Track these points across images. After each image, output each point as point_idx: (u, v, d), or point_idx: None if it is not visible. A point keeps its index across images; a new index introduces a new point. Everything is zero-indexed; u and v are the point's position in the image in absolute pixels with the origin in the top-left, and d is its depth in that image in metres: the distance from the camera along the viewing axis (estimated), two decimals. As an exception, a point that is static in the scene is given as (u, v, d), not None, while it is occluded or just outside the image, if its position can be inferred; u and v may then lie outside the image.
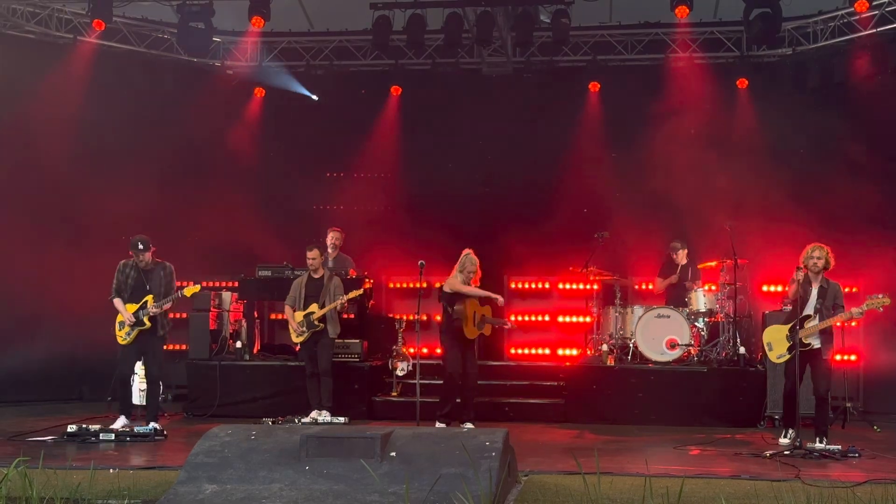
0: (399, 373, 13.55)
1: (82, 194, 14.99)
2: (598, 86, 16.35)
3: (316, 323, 12.48)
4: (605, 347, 13.46)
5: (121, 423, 11.27)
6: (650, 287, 15.06)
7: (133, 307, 11.32)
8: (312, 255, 12.64)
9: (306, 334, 12.53)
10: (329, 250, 13.96)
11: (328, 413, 12.28)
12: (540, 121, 15.88)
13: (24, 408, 13.97)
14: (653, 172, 15.48)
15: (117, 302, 11.40)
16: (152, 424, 11.09)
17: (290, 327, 12.72)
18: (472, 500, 5.94)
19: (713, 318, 13.45)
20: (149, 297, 11.29)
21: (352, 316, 14.01)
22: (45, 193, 14.87)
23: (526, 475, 8.00)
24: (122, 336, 11.41)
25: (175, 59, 16.55)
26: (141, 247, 11.25)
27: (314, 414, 12.32)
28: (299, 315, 12.55)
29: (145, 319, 11.28)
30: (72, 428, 10.63)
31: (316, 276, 12.72)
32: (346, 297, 12.46)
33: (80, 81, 15.42)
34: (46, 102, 14.85)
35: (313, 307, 12.51)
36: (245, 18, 14.67)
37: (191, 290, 11.46)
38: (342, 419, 12.27)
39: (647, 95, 15.57)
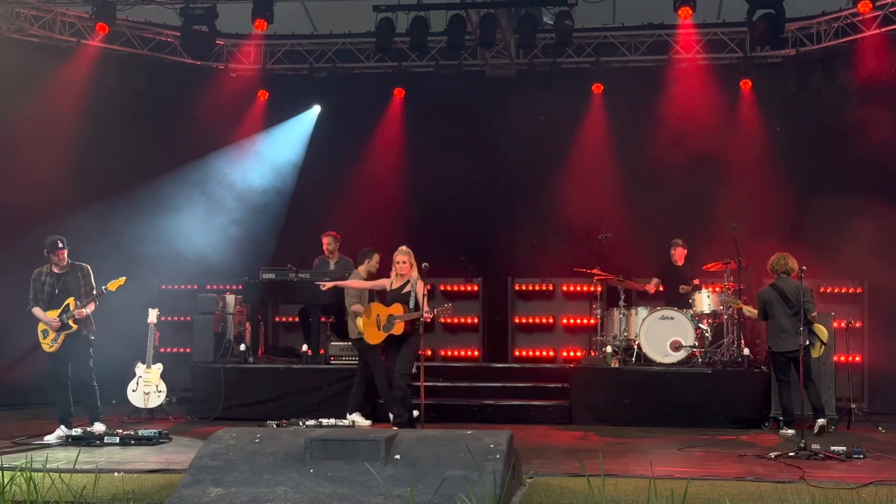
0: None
1: (86, 197, 15.01)
2: (602, 87, 16.34)
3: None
4: (609, 349, 13.44)
5: (59, 433, 10.91)
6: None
7: (55, 312, 11.13)
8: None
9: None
10: (328, 255, 14.01)
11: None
12: (543, 122, 15.87)
13: (28, 411, 13.98)
14: (656, 174, 15.52)
15: (37, 311, 11.17)
16: (97, 425, 11.02)
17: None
18: (477, 502, 5.94)
19: (717, 320, 13.44)
20: (70, 300, 11.14)
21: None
22: (51, 198, 14.84)
23: (531, 477, 7.99)
24: (49, 343, 11.17)
25: (178, 62, 16.57)
26: (60, 245, 11.13)
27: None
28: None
29: (70, 322, 11.10)
30: (76, 431, 10.64)
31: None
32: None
33: (84, 84, 15.45)
34: (50, 105, 14.88)
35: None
36: (248, 21, 14.66)
37: (115, 283, 11.23)
38: (346, 422, 12.27)
39: (650, 97, 15.59)
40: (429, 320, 11.68)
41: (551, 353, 15.69)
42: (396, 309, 11.39)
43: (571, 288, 15.78)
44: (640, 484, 7.52)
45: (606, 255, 14.21)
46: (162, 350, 13.57)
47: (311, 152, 17.02)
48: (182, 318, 14.86)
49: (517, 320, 15.90)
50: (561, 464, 9.15)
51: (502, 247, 16.08)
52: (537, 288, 16.02)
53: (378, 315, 11.62)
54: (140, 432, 10.80)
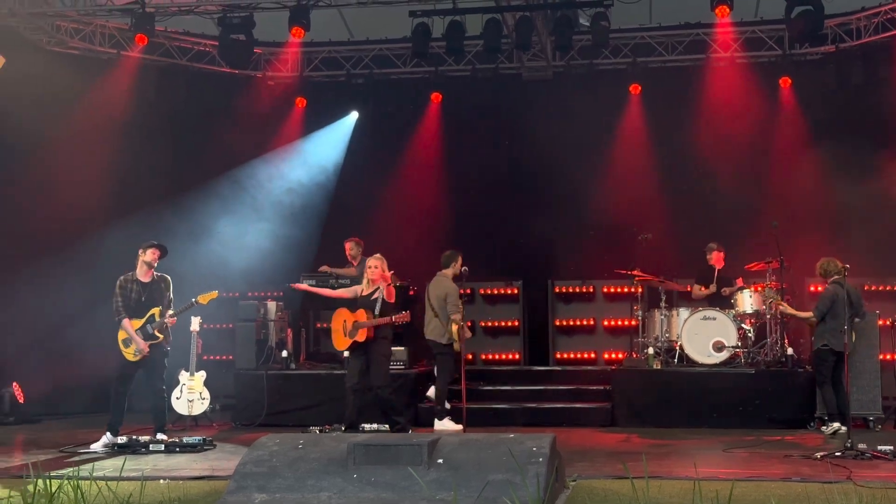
0: (442, 380, 13.52)
1: (127, 207, 15.16)
2: (639, 88, 16.27)
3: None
4: (650, 350, 13.38)
5: (105, 440, 10.92)
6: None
7: (139, 322, 11.16)
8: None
9: None
10: (350, 260, 14.08)
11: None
12: (581, 124, 15.82)
13: (75, 420, 14.13)
14: (696, 173, 15.45)
15: (126, 322, 11.11)
16: (160, 435, 11.09)
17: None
18: (521, 505, 5.93)
19: (760, 320, 13.34)
20: (155, 310, 11.19)
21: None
22: (94, 209, 14.99)
23: (574, 480, 7.97)
24: (132, 353, 11.13)
25: (217, 71, 16.69)
26: (155, 243, 11.26)
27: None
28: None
29: (156, 332, 11.17)
30: (122, 439, 10.73)
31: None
32: None
33: (124, 95, 15.60)
34: (90, 116, 15.03)
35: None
36: (285, 29, 14.74)
37: (207, 296, 11.45)
38: (387, 427, 12.28)
39: (688, 96, 15.53)
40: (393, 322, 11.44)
41: (592, 356, 15.65)
42: (360, 315, 11.35)
43: (612, 289, 15.74)
44: (684, 486, 7.48)
45: (647, 256, 14.14)
46: (205, 358, 13.63)
47: (349, 158, 17.09)
48: (224, 326, 14.94)
49: (558, 323, 15.87)
50: (604, 466, 9.12)
51: (542, 249, 16.03)
52: (578, 290, 15.99)
53: (345, 321, 11.56)
54: (185, 439, 10.87)
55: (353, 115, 17.30)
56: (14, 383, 14.10)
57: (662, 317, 13.64)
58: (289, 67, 17.22)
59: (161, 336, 11.20)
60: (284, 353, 13.93)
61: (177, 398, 12.97)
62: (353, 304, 11.57)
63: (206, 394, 12.91)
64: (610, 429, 12.65)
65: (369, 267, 11.50)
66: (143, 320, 11.16)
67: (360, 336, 11.26)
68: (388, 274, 11.62)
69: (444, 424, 12.38)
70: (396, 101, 16.99)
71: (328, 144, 17.24)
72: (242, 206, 16.34)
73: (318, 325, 16.23)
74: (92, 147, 15.00)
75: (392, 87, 17.09)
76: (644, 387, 13.06)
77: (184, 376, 12.91)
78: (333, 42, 17.04)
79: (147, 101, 15.84)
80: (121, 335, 11.18)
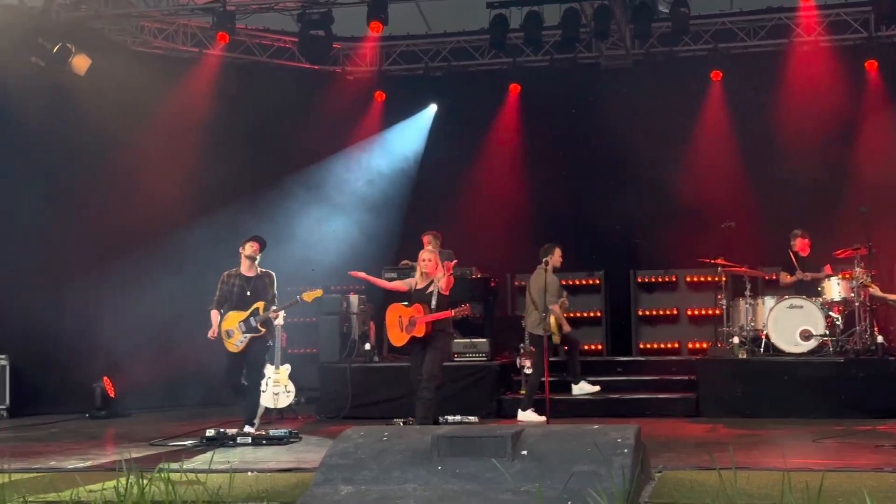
0: (527, 371, 13.49)
1: (211, 204, 15.39)
2: (721, 74, 16.09)
3: None
4: (736, 340, 13.21)
5: (248, 429, 11.33)
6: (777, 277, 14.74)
7: (242, 315, 11.41)
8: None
9: None
10: None
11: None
12: (661, 112, 15.68)
13: (164, 413, 14.41)
14: (780, 160, 15.22)
15: (214, 314, 11.46)
16: (248, 427, 11.29)
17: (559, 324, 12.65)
18: (606, 497, 5.89)
19: (848, 308, 13.09)
20: (259, 304, 11.42)
21: (478, 315, 14.07)
22: (179, 205, 15.23)
23: (659, 471, 7.91)
24: (234, 344, 11.43)
25: (297, 67, 16.84)
26: (255, 236, 11.55)
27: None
28: None
29: (259, 326, 11.39)
30: (210, 432, 10.89)
31: None
32: None
33: (206, 93, 15.84)
34: (174, 115, 15.28)
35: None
36: (364, 24, 14.83)
37: (312, 294, 11.61)
38: (473, 418, 12.32)
39: (771, 82, 15.31)
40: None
41: (676, 345, 15.51)
42: (416, 310, 11.09)
43: (695, 278, 15.58)
44: (773, 477, 7.37)
45: (731, 244, 13.96)
46: (290, 351, 13.78)
47: (428, 151, 17.17)
48: (308, 320, 15.07)
49: (641, 312, 15.75)
50: (690, 457, 9.03)
51: (623, 239, 15.93)
52: (660, 280, 15.84)
53: (400, 316, 11.31)
54: (271, 432, 11.01)
55: (432, 108, 17.38)
56: (105, 378, 14.39)
57: (747, 305, 13.45)
58: (367, 62, 17.33)
59: (263, 329, 11.43)
60: (367, 346, 14.03)
61: (263, 391, 13.13)
62: (407, 297, 11.38)
63: (291, 387, 13.01)
64: (695, 419, 12.52)
65: (423, 260, 11.28)
66: (247, 313, 11.41)
67: (419, 331, 11.01)
68: (451, 263, 11.47)
69: (528, 415, 12.35)
70: (475, 93, 17.00)
71: (408, 137, 17.34)
72: (323, 201, 16.49)
73: (400, 318, 16.29)
74: (175, 145, 15.25)
75: (470, 79, 17.10)
76: (730, 377, 12.90)
77: (269, 370, 13.02)
78: (411, 36, 17.10)
79: (228, 99, 16.03)
80: (223, 326, 11.46)
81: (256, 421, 11.65)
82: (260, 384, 11.72)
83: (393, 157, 17.21)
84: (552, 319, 12.33)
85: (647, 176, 15.87)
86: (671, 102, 15.70)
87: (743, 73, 15.76)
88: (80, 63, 14.81)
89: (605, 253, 16.09)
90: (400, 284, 11.64)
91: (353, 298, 14.52)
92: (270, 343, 11.69)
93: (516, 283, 16.10)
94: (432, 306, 11.00)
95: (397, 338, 11.38)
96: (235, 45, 16.20)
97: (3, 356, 14.14)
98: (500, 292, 15.58)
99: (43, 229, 14.67)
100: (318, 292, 11.74)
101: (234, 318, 11.45)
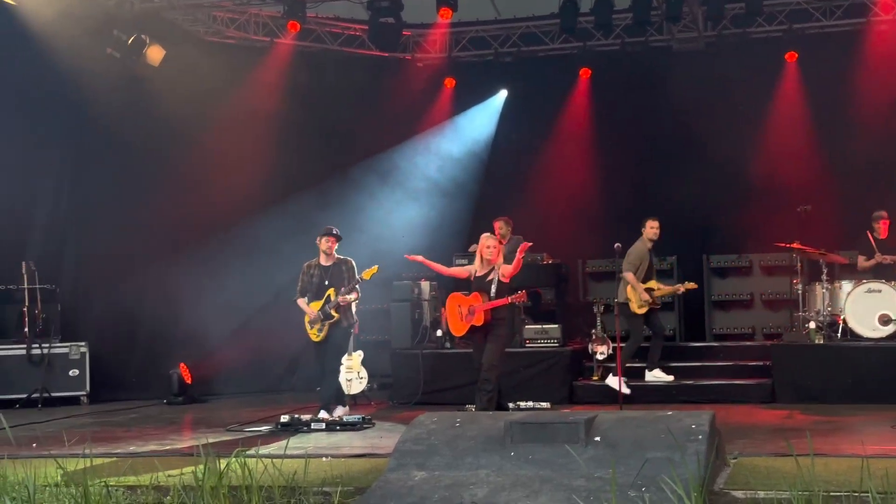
0: (599, 356, 13.47)
1: (283, 192, 15.54)
2: (796, 55, 15.84)
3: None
4: (812, 325, 13.01)
5: (339, 412, 11.72)
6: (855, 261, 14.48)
7: (318, 304, 11.76)
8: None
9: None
10: (500, 239, 13.99)
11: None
12: (734, 95, 15.49)
13: (239, 399, 14.60)
14: (857, 142, 14.94)
15: (301, 302, 11.91)
16: (323, 413, 11.46)
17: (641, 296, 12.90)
18: (681, 483, 5.85)
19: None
20: (331, 291, 11.73)
21: (549, 301, 14.04)
22: (251, 195, 15.39)
23: (735, 458, 7.84)
24: (315, 333, 11.84)
25: (367, 55, 16.90)
26: (334, 232, 11.85)
27: None
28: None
29: (332, 311, 11.67)
30: (285, 418, 11.02)
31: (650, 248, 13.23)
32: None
33: (278, 82, 15.97)
34: (247, 104, 15.43)
35: (652, 284, 13.04)
36: (433, 10, 14.82)
37: (369, 272, 11.72)
38: (545, 404, 12.31)
39: (848, 62, 15.01)
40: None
41: (750, 330, 15.32)
42: (475, 298, 10.83)
43: (770, 263, 15.35)
44: (851, 463, 7.26)
45: (806, 227, 13.74)
46: (362, 338, 13.87)
47: (499, 137, 17.16)
48: (380, 307, 15.15)
49: (714, 297, 15.58)
50: (766, 444, 8.94)
51: (696, 223, 15.77)
52: (734, 264, 15.65)
53: (459, 305, 11.09)
54: (345, 418, 11.11)
55: (502, 94, 17.34)
56: (181, 364, 14.61)
57: (824, 290, 13.24)
58: (437, 48, 17.33)
59: (336, 315, 11.71)
60: (439, 333, 14.06)
61: (337, 378, 13.31)
62: (466, 285, 11.22)
63: (364, 373, 13.10)
64: (771, 405, 12.37)
65: (486, 246, 10.91)
66: (322, 301, 11.75)
67: (478, 320, 10.75)
68: (526, 245, 11.14)
69: (656, 374, 12.87)
70: (545, 78, 16.94)
71: (478, 123, 17.33)
72: (394, 188, 16.56)
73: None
74: (247, 134, 15.41)
75: (540, 64, 17.03)
76: (806, 362, 12.71)
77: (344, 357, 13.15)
78: (481, 21, 17.05)
79: (299, 87, 16.15)
80: (306, 318, 11.85)
81: (340, 407, 11.87)
82: (338, 370, 11.94)
83: (463, 144, 17.21)
84: (627, 289, 12.67)
85: (720, 160, 15.69)
86: (744, 84, 15.50)
87: (819, 53, 15.49)
88: (155, 54, 15.02)
89: (678, 238, 15.91)
90: (459, 270, 11.48)
91: (425, 285, 14.57)
92: (350, 327, 11.99)
93: (587, 270, 16.00)
94: (491, 294, 10.73)
95: (457, 327, 11.13)
96: (306, 34, 16.31)
97: (82, 344, 14.40)
98: (571, 278, 15.52)
99: (121, 218, 14.93)
100: (374, 269, 11.77)
101: (314, 308, 11.78)
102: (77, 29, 13.97)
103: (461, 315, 11.00)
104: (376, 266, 11.88)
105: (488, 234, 11.19)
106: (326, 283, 11.82)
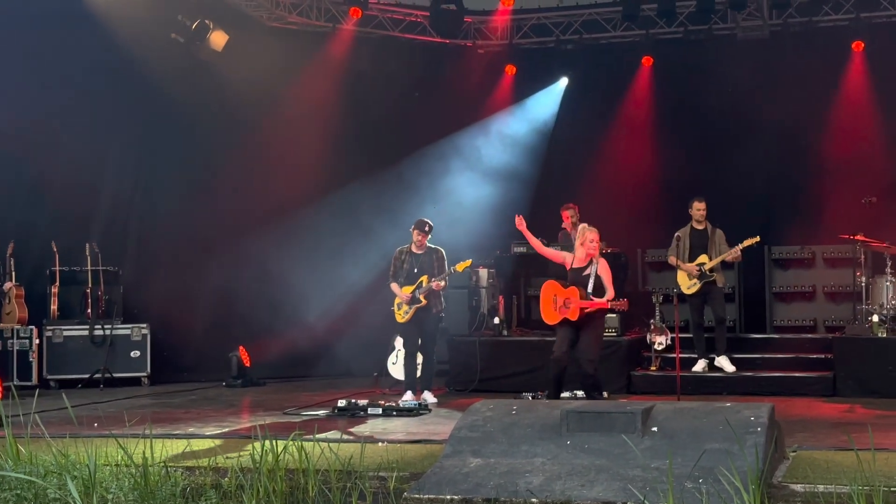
0: (658, 347, 13.38)
1: (342, 178, 15.62)
2: (863, 45, 15.57)
3: (708, 273, 12.99)
4: (875, 318, 12.82)
5: (407, 396, 11.99)
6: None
7: (409, 289, 12.08)
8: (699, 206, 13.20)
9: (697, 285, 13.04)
10: (569, 230, 13.95)
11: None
12: (799, 84, 15.28)
13: (297, 383, 14.71)
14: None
15: (394, 286, 12.26)
16: (424, 396, 11.90)
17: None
18: (738, 475, 5.81)
19: None
20: (424, 278, 12.07)
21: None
22: (312, 182, 15.47)
23: (794, 451, 7.77)
24: (402, 315, 12.18)
25: (428, 41, 16.89)
26: (427, 228, 12.19)
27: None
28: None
29: (421, 297, 11.98)
30: (342, 403, 11.10)
31: (700, 228, 13.23)
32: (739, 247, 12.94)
33: (340, 69, 16.03)
34: (309, 90, 15.51)
35: (703, 258, 13.02)
36: (495, -3, 14.81)
37: (462, 265, 12.04)
38: (602, 394, 12.25)
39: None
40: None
41: (812, 323, 15.13)
42: (573, 292, 10.59)
43: (833, 255, 15.13)
44: (912, 459, 7.18)
45: (871, 220, 13.53)
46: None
47: (559, 125, 17.05)
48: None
49: (776, 289, 15.40)
50: (826, 437, 8.84)
51: (758, 214, 15.58)
52: (796, 256, 15.45)
53: (555, 295, 10.82)
54: (401, 403, 11.17)
55: (563, 82, 17.23)
56: (241, 347, 14.74)
57: (888, 283, 13.04)
58: (498, 35, 17.27)
59: (425, 301, 12.03)
60: (497, 320, 14.06)
61: (393, 363, 13.39)
62: (561, 273, 11.09)
63: (421, 359, 13.16)
64: (832, 399, 12.22)
65: (590, 241, 10.71)
66: (414, 287, 12.08)
67: (573, 315, 10.55)
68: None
69: (721, 361, 12.98)
70: (607, 66, 16.83)
71: (539, 111, 17.24)
72: (454, 175, 16.54)
73: (530, 293, 16.27)
74: (308, 120, 15.49)
75: (602, 52, 16.91)
76: (869, 356, 12.53)
77: (399, 342, 13.20)
78: (542, 8, 16.96)
79: (362, 74, 16.21)
80: (395, 300, 12.30)
81: (410, 392, 12.09)
82: (432, 354, 12.38)
83: (524, 131, 17.15)
84: (677, 273, 12.98)
85: (782, 150, 15.51)
86: (809, 73, 15.28)
87: (887, 43, 15.21)
88: (218, 39, 15.13)
89: (739, 229, 15.75)
90: (556, 254, 11.23)
91: (483, 272, 14.57)
92: (439, 314, 12.38)
93: (646, 260, 15.89)
94: (588, 290, 10.57)
95: (550, 316, 10.90)
96: (368, 20, 16.34)
97: (144, 325, 14.59)
98: (630, 267, 15.42)
99: (183, 203, 15.13)
100: (468, 262, 12.09)
101: (404, 292, 12.13)
102: (142, 13, 14.12)
103: (556, 305, 10.78)
104: (469, 260, 12.18)
105: (589, 226, 10.93)
106: (416, 270, 12.17)
